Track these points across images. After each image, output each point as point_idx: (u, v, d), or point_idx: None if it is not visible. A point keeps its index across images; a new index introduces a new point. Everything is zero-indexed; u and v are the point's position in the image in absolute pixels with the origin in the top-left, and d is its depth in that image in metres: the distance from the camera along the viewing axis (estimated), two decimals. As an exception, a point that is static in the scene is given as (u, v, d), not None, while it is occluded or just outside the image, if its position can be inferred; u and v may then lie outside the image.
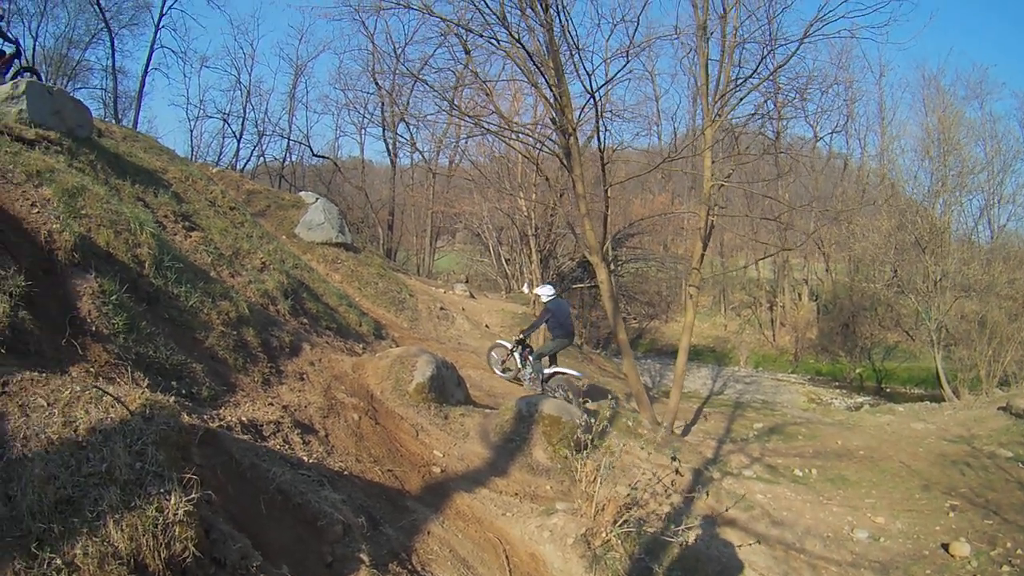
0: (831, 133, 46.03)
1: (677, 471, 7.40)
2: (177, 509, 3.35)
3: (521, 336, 13.60)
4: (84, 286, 5.73)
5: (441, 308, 19.81)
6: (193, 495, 3.46)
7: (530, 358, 13.32)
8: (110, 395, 3.79)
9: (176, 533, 3.31)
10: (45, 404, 3.73)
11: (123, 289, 6.10)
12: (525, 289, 28.40)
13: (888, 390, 34.82)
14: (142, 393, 4.04)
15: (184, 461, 3.82)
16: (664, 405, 14.77)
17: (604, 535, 6.37)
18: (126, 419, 3.68)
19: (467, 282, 29.85)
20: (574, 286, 29.57)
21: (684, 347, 14.23)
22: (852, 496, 11.66)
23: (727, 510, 9.43)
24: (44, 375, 4.04)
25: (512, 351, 13.82)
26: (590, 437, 7.66)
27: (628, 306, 35.50)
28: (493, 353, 14.75)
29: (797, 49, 12.76)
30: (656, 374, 28.25)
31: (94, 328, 5.50)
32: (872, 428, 16.45)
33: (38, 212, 6.13)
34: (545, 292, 13.64)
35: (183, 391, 5.68)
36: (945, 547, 10.24)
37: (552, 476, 8.22)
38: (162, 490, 3.40)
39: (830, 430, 15.50)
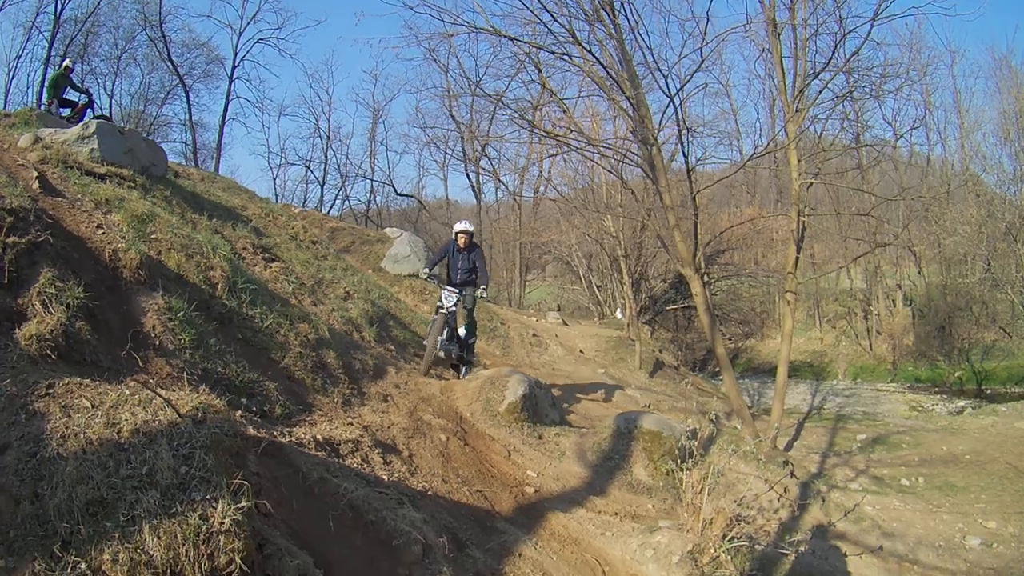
0: (910, 129, 44.78)
1: (792, 474, 7.02)
2: (224, 517, 3.10)
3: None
4: (150, 303, 5.69)
5: (534, 335, 19.59)
6: (243, 504, 3.21)
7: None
8: (160, 396, 3.61)
9: (221, 543, 3.06)
10: (89, 406, 3.60)
11: (192, 307, 6.02)
12: (619, 315, 28.04)
13: (989, 391, 33.61)
14: (196, 397, 3.84)
15: (238, 468, 3.57)
16: (765, 422, 14.32)
17: (712, 551, 5.91)
18: (175, 422, 3.48)
19: (559, 310, 29.67)
20: (667, 308, 29.16)
21: (784, 358, 13.74)
22: (961, 502, 11.26)
23: (835, 523, 9.20)
24: (95, 381, 3.92)
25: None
26: (695, 445, 7.22)
27: (722, 325, 34.90)
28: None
29: (870, 31, 12.35)
30: (754, 392, 27.71)
31: (158, 342, 5.42)
32: (976, 431, 15.95)
33: (104, 233, 6.14)
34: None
35: (253, 408, 5.54)
36: None
37: (654, 494, 7.87)
38: (208, 496, 3.16)
39: (933, 436, 15.14)
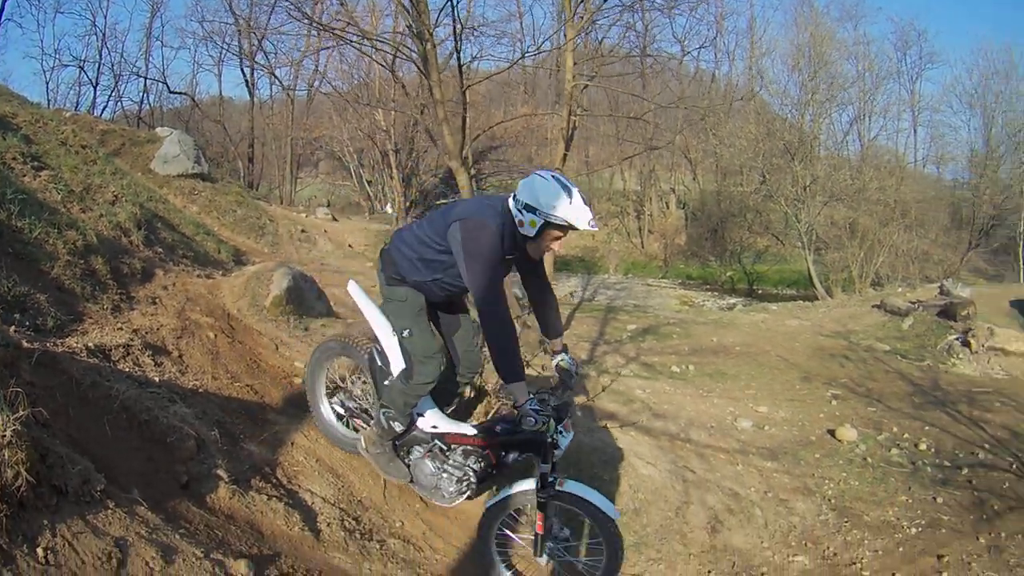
0: (699, 48, 47.20)
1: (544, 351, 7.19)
2: (4, 429, 3.09)
3: None
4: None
5: (303, 231, 19.69)
6: (20, 413, 3.21)
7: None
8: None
9: (5, 457, 3.05)
10: None
11: (-50, 223, 5.80)
12: (388, 209, 28.26)
13: (760, 292, 36.41)
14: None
15: (12, 379, 3.59)
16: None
17: None
18: (-63, 338, 3.42)
19: (329, 206, 29.65)
20: (437, 203, 29.55)
21: None
22: (732, 388, 12.03)
23: (606, 404, 9.66)
24: None
25: None
26: None
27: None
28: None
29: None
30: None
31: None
32: (747, 326, 17.11)
33: None
34: None
35: (27, 323, 5.44)
36: (831, 432, 10.71)
37: None
38: (-17, 408, 3.11)
39: (704, 329, 16.02)
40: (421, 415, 5.01)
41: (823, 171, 32.12)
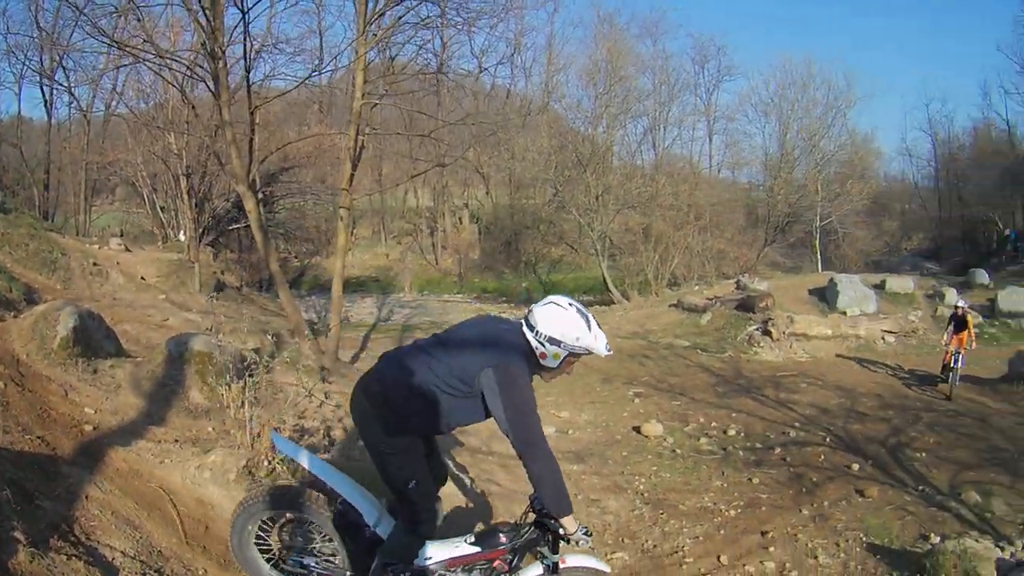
0: (496, 64, 48.21)
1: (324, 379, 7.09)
2: None
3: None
4: None
5: (95, 264, 18.51)
6: None
7: None
8: None
9: None
10: None
11: None
12: (181, 237, 27.29)
13: (556, 301, 36.98)
14: None
15: None
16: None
17: (267, 463, 6.05)
18: None
19: (122, 235, 28.31)
20: (231, 228, 28.78)
21: (339, 272, 14.25)
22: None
23: None
24: None
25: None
26: (246, 367, 7.26)
27: (288, 244, 35.10)
28: None
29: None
30: (321, 309, 28.11)
31: None
32: None
33: None
34: None
35: None
36: (637, 429, 11.03)
37: (212, 416, 7.80)
38: None
39: None
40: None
41: (616, 180, 33.40)
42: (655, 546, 7.44)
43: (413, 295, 38.89)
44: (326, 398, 8.24)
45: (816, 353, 18.59)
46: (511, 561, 4.45)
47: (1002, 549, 8.19)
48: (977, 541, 7.95)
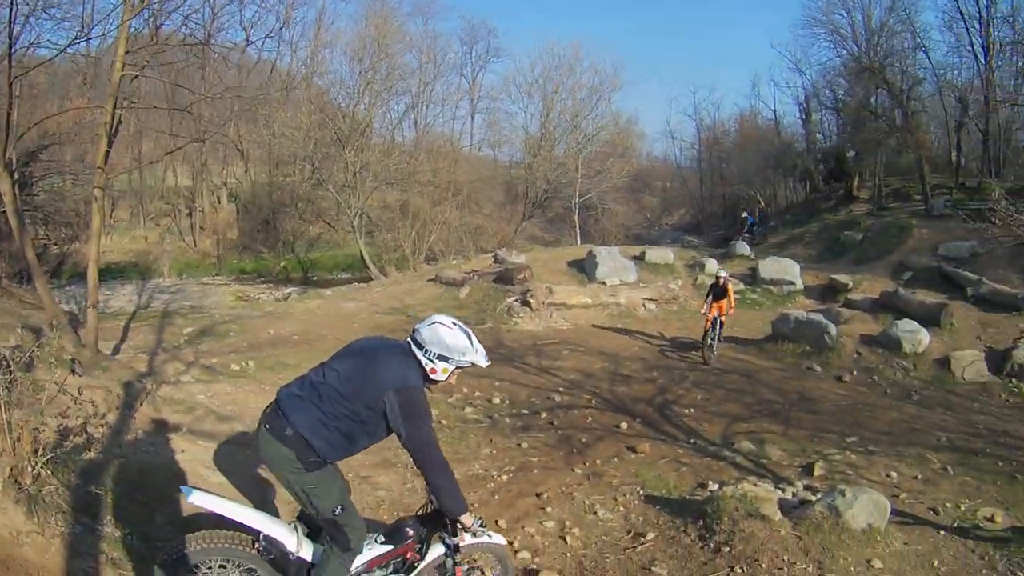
0: (264, 38, 46.83)
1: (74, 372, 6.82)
2: None
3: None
4: None
5: None
6: None
7: None
8: None
9: None
10: None
11: None
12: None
13: (315, 278, 36.78)
14: None
15: None
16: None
17: (32, 469, 5.50)
18: None
19: None
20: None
21: (94, 258, 12.84)
22: (292, 378, 11.79)
23: (168, 417, 9.06)
24: None
25: None
26: (4, 366, 6.74)
27: (48, 229, 32.73)
28: None
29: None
30: (82, 299, 26.65)
31: None
32: (302, 313, 17.42)
33: None
34: None
35: None
36: None
37: None
38: None
39: (260, 322, 16.01)
40: None
41: (374, 157, 33.21)
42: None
43: (173, 279, 37.16)
44: (80, 394, 7.82)
45: (577, 322, 19.33)
46: (419, 549, 4.88)
47: (783, 491, 8.83)
48: (756, 485, 8.49)
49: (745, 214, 39.65)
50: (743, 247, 31.47)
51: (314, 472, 4.45)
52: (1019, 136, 37.69)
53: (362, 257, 32.83)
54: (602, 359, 15.95)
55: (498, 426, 10.87)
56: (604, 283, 23.03)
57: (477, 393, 12.19)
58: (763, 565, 6.59)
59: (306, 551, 4.68)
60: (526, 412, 11.67)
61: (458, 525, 4.67)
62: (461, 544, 4.82)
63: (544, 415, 11.64)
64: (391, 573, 4.96)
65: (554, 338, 17.19)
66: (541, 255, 27.19)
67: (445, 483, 4.39)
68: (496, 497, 8.32)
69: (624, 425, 11.62)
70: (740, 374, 16.20)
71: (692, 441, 11.27)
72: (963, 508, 9.68)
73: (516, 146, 50.65)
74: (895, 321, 19.27)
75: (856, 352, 18.49)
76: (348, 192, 33.00)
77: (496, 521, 7.50)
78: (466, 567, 5.20)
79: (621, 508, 8.07)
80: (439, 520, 4.81)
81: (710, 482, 9.22)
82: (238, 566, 4.70)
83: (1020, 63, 36.33)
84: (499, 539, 5.34)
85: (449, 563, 4.94)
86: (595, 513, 8.03)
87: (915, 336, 18.38)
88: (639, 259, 26.03)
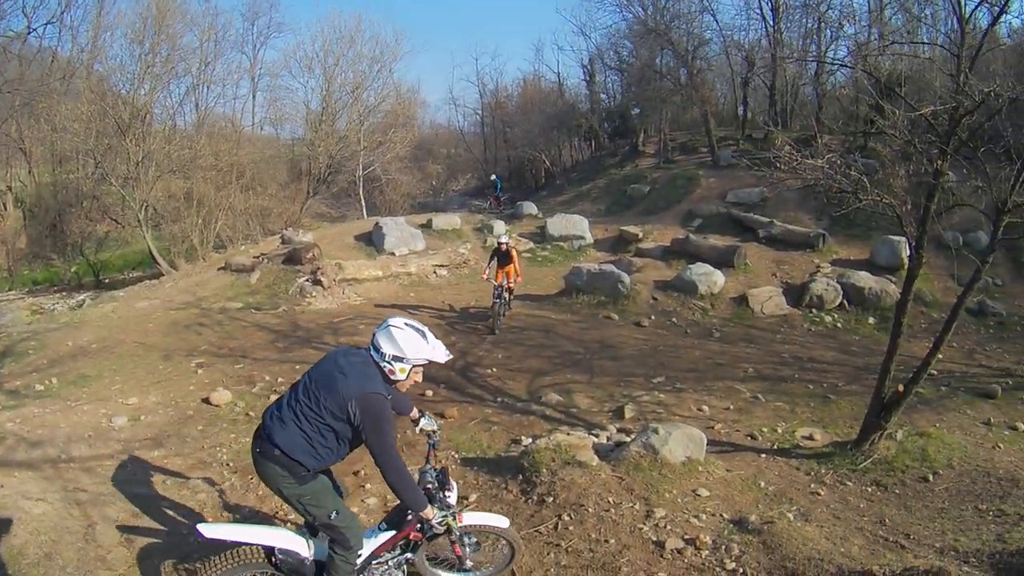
0: (45, 24, 44.16)
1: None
2: None
3: None
4: None
5: None
6: None
7: None
8: None
9: None
10: None
11: None
12: None
13: (107, 280, 35.40)
14: None
15: None
16: None
17: None
18: None
19: None
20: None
21: None
22: (99, 389, 11.73)
23: None
24: None
25: None
26: None
27: None
28: None
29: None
30: None
31: None
32: (99, 319, 16.87)
33: None
34: None
35: None
36: (207, 401, 11.06)
37: None
38: None
39: (59, 335, 15.41)
40: None
41: (156, 145, 32.30)
42: (256, 511, 7.67)
43: (-37, 301, 35.31)
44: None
45: (370, 295, 19.66)
46: (421, 528, 5.32)
47: (597, 436, 9.57)
48: (569, 435, 9.12)
49: (494, 176, 40.54)
50: (531, 207, 32.10)
51: (307, 484, 4.98)
52: (806, 91, 39.98)
53: (151, 252, 31.93)
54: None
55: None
56: (393, 254, 23.37)
57: (280, 379, 12.28)
58: (589, 509, 6.94)
59: (318, 550, 5.23)
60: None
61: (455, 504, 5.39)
62: (460, 523, 5.34)
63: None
64: (399, 555, 5.56)
65: (348, 313, 17.41)
66: (328, 232, 27.17)
67: (403, 485, 4.86)
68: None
69: (429, 392, 11.99)
70: (538, 330, 16.73)
71: (499, 400, 11.73)
72: (780, 431, 10.73)
73: (298, 123, 49.75)
74: (688, 266, 20.71)
75: (652, 298, 19.69)
76: (132, 184, 31.85)
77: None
78: (468, 542, 5.75)
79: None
80: (433, 499, 5.30)
81: (523, 437, 9.77)
82: None
83: (808, 23, 38.38)
84: (500, 520, 5.82)
85: (446, 541, 5.62)
86: (412, 482, 8.55)
87: (710, 278, 19.90)
88: (427, 227, 26.43)
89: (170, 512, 7.39)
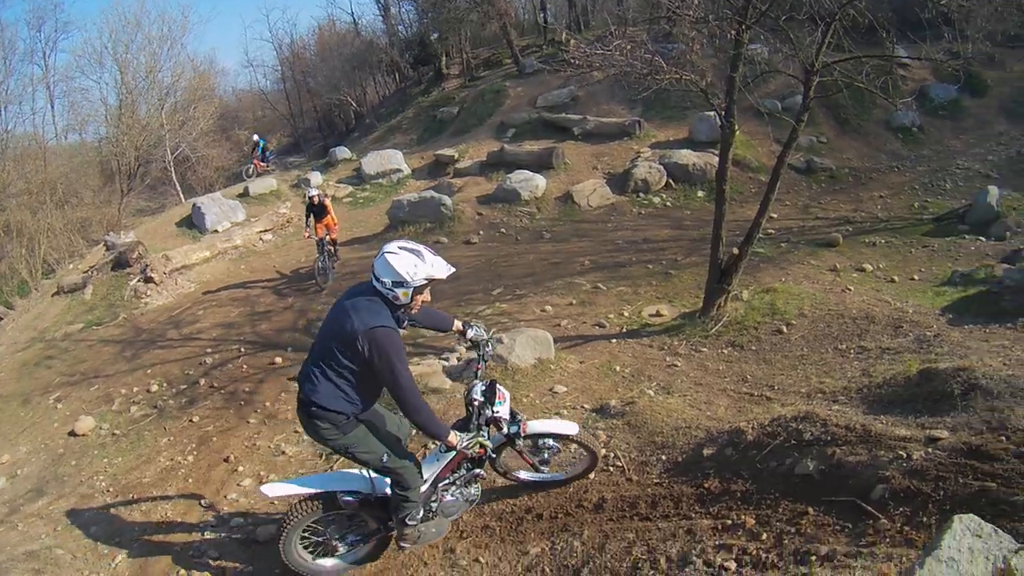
0: None
1: None
2: None
3: None
4: None
5: None
6: None
7: None
8: None
9: None
10: None
11: None
12: None
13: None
14: None
15: None
16: None
17: None
18: None
19: None
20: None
21: None
22: None
23: None
24: None
25: None
26: None
27: None
28: None
29: None
30: None
31: None
32: None
33: None
34: None
35: None
36: (72, 434, 10.72)
37: None
38: None
39: None
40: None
41: (-41, 180, 30.55)
42: (143, 531, 7.50)
43: None
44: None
45: (203, 278, 19.16)
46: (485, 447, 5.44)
47: (446, 360, 9.75)
48: (419, 364, 9.45)
49: (256, 137, 40.01)
50: (343, 151, 31.62)
51: (351, 432, 5.13)
52: (603, -12, 40.16)
53: (-22, 299, 30.27)
54: (236, 305, 16.15)
55: (166, 412, 10.88)
56: (216, 231, 22.92)
57: (136, 389, 12.05)
58: (452, 430, 7.21)
59: (379, 485, 5.52)
60: (185, 386, 11.74)
61: (516, 414, 5.60)
62: (524, 432, 5.58)
63: (203, 381, 11.78)
64: (466, 472, 5.74)
65: (186, 303, 17.05)
66: (150, 225, 25.93)
67: (420, 417, 4.89)
68: (191, 480, 8.49)
69: (279, 359, 12.11)
70: (369, 270, 16.51)
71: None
72: (627, 314, 11.15)
73: (100, 122, 47.87)
74: (507, 175, 20.92)
75: (477, 214, 19.90)
76: (-54, 226, 30.21)
77: (200, 501, 7.81)
78: (545, 446, 5.99)
79: (304, 437, 8.57)
80: (486, 417, 5.46)
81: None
82: (334, 520, 5.75)
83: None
84: (569, 426, 5.96)
85: (509, 449, 5.92)
86: (284, 453, 8.62)
87: (531, 183, 20.22)
88: (244, 196, 26.00)
89: (68, 558, 7.24)
